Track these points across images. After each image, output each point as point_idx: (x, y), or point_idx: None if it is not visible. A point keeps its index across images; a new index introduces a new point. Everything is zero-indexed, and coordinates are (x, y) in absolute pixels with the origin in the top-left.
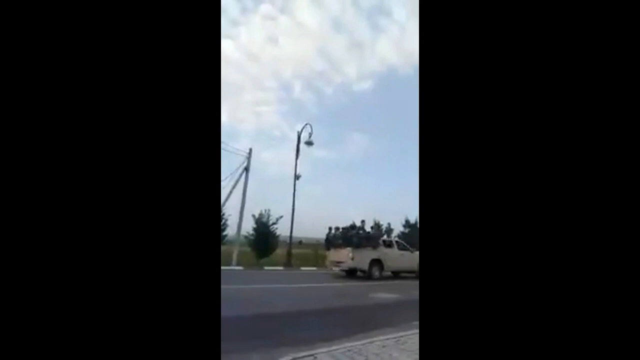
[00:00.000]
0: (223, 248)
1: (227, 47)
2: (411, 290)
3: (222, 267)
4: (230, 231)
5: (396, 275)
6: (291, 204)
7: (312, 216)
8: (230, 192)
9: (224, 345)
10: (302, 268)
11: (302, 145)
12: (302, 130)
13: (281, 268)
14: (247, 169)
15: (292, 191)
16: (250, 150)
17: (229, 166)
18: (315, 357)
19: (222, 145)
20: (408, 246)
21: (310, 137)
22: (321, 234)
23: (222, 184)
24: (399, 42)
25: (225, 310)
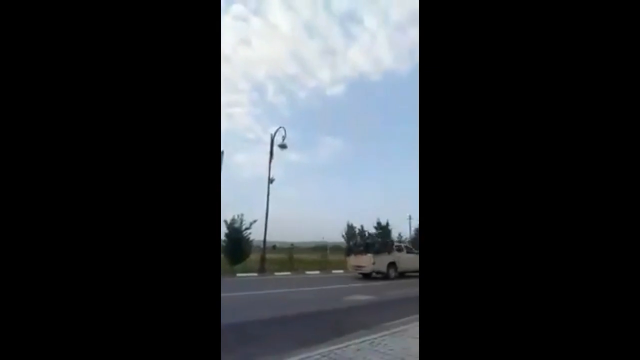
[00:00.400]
0: None
1: None
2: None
3: None
4: None
5: (402, 275)
6: (265, 207)
7: (286, 220)
8: None
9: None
10: (277, 273)
11: (275, 148)
12: (275, 134)
13: (255, 274)
14: None
15: (266, 194)
16: (222, 152)
17: None
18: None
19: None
20: (413, 249)
21: (284, 140)
22: (295, 238)
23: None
24: (370, 50)
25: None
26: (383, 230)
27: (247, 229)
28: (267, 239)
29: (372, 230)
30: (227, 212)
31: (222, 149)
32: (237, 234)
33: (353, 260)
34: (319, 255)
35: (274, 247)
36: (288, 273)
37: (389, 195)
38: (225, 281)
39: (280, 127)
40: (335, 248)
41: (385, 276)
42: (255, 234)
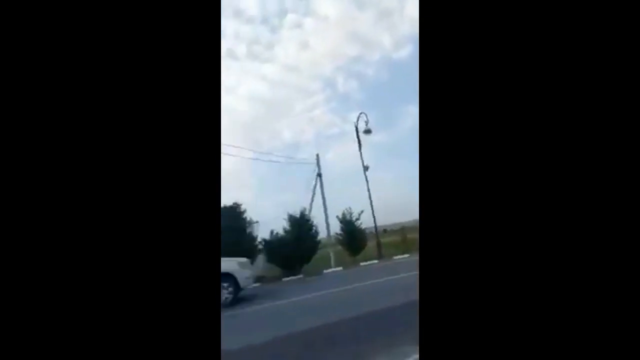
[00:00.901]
0: (321, 253)
1: (268, 70)
2: None
3: (325, 271)
4: (321, 236)
5: None
6: (367, 196)
7: (388, 203)
8: (312, 201)
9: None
10: (395, 257)
11: (361, 135)
12: (357, 121)
13: (376, 261)
14: (319, 175)
15: (366, 184)
16: (317, 155)
17: (301, 178)
18: None
19: (290, 160)
20: None
21: (367, 125)
22: (402, 218)
23: (304, 196)
24: None
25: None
26: None
27: (357, 219)
28: (377, 223)
29: None
30: (337, 209)
31: (316, 152)
32: (351, 226)
33: None
34: None
35: (384, 231)
36: (406, 255)
37: None
38: (353, 271)
39: (361, 114)
40: None
41: None
42: (364, 223)
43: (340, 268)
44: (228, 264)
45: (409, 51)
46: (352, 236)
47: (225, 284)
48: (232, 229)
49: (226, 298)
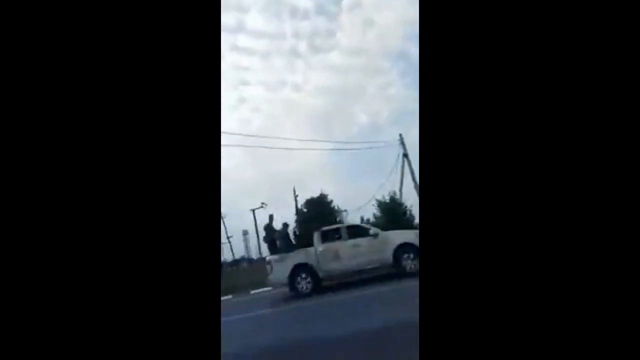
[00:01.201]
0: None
1: (333, 59)
2: None
3: None
4: (417, 219)
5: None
6: None
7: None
8: (401, 184)
9: None
10: None
11: None
12: None
13: None
14: (405, 155)
15: None
16: (401, 135)
17: (386, 162)
18: None
19: (373, 144)
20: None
21: None
22: None
23: (386, 179)
24: None
25: None
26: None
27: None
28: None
29: None
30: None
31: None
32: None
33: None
34: None
35: None
36: None
37: None
38: None
39: None
40: None
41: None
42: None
43: None
44: (408, 235)
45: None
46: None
47: (410, 254)
48: (321, 218)
49: (410, 267)
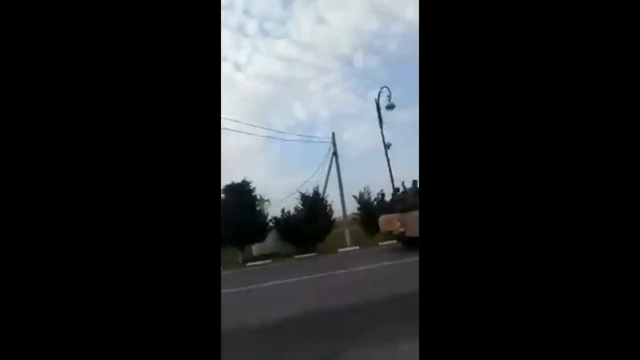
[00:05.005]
0: (336, 232)
1: (281, 47)
2: None
3: (340, 249)
4: (337, 215)
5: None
6: (387, 176)
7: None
8: (326, 180)
9: None
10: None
11: (383, 111)
12: (379, 96)
13: (396, 241)
14: (335, 154)
15: (387, 162)
16: (333, 134)
17: (315, 158)
18: None
19: (306, 139)
20: None
21: (389, 100)
22: None
23: (313, 175)
24: None
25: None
26: None
27: (375, 199)
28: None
29: None
30: (353, 189)
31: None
32: (368, 206)
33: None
34: None
35: None
36: None
37: None
38: (370, 251)
39: (382, 88)
40: None
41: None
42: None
43: (357, 247)
44: None
45: None
46: (370, 216)
47: None
48: (240, 205)
49: None
